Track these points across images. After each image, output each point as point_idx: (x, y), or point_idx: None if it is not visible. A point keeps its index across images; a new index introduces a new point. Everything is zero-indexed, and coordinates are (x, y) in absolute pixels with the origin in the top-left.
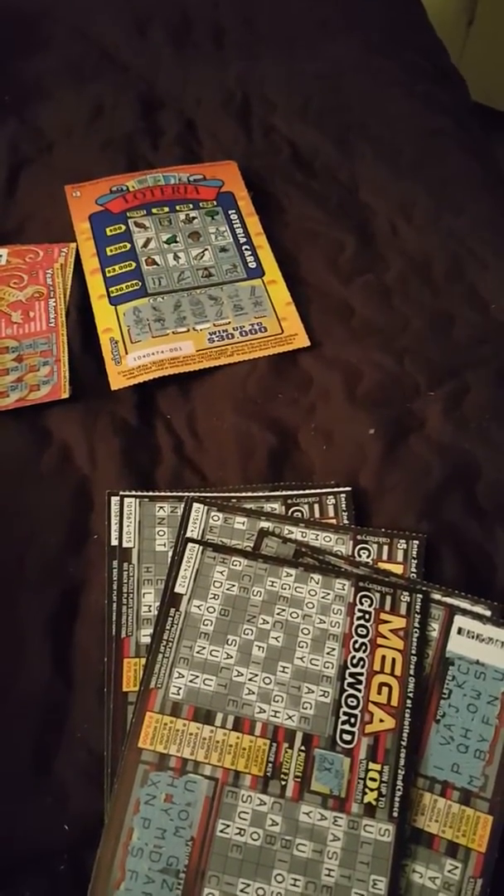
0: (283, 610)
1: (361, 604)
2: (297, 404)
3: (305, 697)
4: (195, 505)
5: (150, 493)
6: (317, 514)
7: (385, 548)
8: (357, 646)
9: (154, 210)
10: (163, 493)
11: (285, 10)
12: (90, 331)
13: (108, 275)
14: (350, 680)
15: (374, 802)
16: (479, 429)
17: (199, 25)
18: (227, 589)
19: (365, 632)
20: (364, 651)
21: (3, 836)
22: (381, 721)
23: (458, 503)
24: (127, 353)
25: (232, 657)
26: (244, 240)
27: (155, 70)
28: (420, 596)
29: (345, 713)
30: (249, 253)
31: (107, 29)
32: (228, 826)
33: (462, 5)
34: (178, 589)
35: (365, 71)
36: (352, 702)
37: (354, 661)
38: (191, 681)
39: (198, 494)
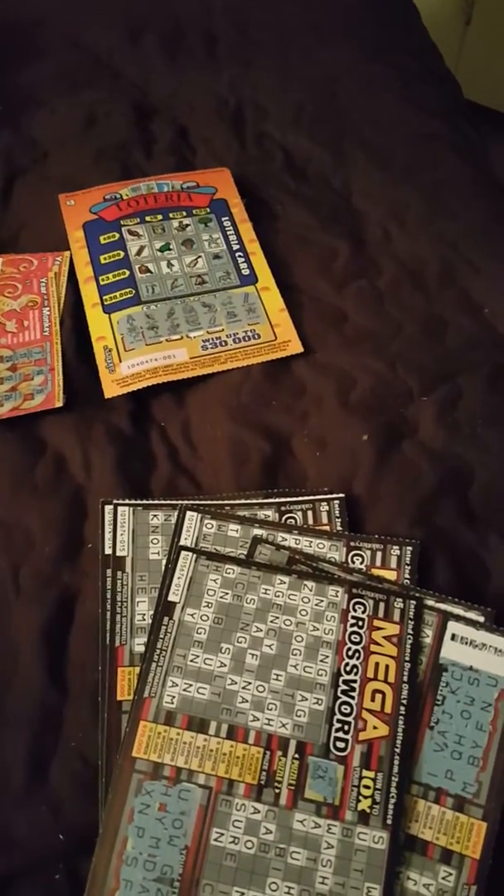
0: (277, 617)
1: (355, 610)
2: (291, 411)
3: (299, 705)
4: (189, 513)
5: (144, 502)
6: (310, 521)
7: (378, 554)
8: (350, 653)
9: (147, 218)
10: (156, 502)
11: (278, 16)
12: (84, 339)
13: (101, 283)
14: (343, 687)
15: (367, 810)
16: (472, 434)
17: (191, 33)
18: (221, 597)
19: (358, 639)
20: (357, 658)
21: None
22: (375, 728)
23: (452, 509)
24: (121, 361)
25: (225, 665)
26: (237, 247)
27: (148, 78)
28: (413, 602)
29: (338, 720)
30: (243, 260)
31: (100, 37)
32: (223, 834)
33: (460, 4)
34: (171, 597)
35: (358, 76)
36: (345, 709)
37: (348, 669)
38: (184, 689)
39: (191, 502)
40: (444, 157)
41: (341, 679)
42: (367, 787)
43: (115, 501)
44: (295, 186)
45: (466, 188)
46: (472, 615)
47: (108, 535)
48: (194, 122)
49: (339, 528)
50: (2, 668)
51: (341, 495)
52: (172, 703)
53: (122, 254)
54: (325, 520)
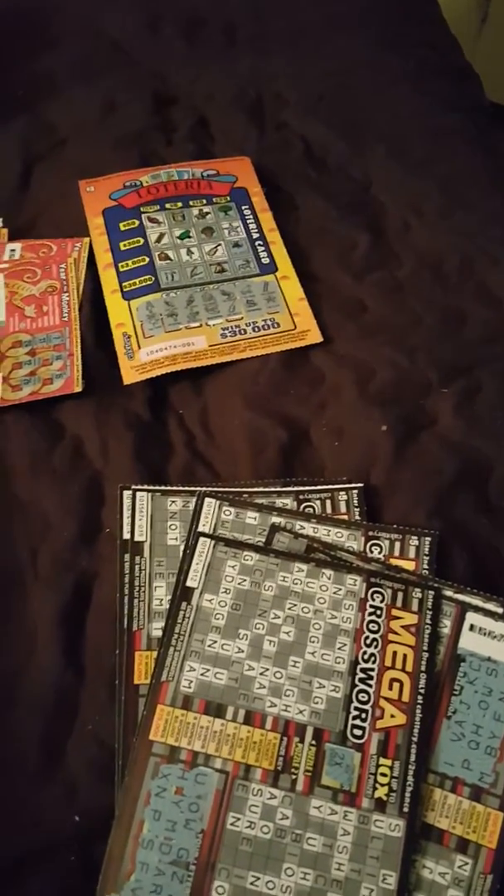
0: (295, 605)
1: (373, 599)
2: (309, 400)
3: (316, 692)
4: (207, 500)
5: (163, 488)
6: (328, 510)
7: (397, 544)
8: (368, 641)
9: (167, 205)
10: (175, 488)
11: (297, 5)
12: (103, 325)
13: (121, 269)
14: (361, 675)
15: (384, 797)
16: (491, 426)
17: (210, 21)
18: (239, 583)
19: (376, 627)
20: (375, 647)
21: (14, 827)
22: (392, 717)
23: (470, 500)
24: (139, 347)
25: (243, 651)
26: (257, 235)
27: (167, 66)
28: (432, 592)
29: (356, 708)
30: (262, 248)
31: (119, 25)
32: (239, 819)
33: (476, 2)
34: (189, 583)
35: (377, 67)
36: (363, 697)
37: (366, 657)
38: (202, 674)
39: (210, 489)
40: (463, 149)
41: (359, 667)
42: (383, 774)
43: (133, 487)
44: (315, 176)
45: (485, 180)
46: (490, 606)
47: (126, 521)
48: (213, 111)
49: (357, 517)
50: (19, 651)
51: (360, 485)
52: (190, 687)
53: (142, 241)
54: (343, 509)
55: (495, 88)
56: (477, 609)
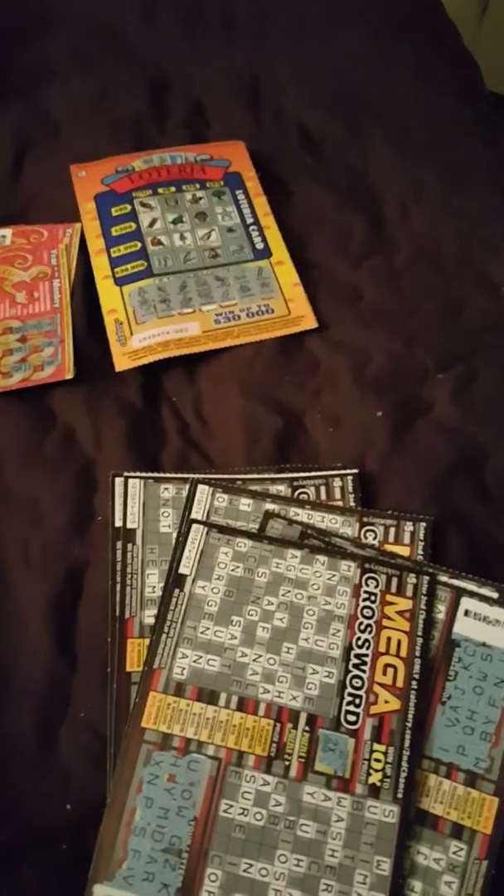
0: (288, 591)
1: (367, 585)
2: (304, 387)
3: (310, 678)
4: (200, 486)
5: (155, 475)
6: (323, 497)
7: (392, 530)
8: (362, 627)
9: (160, 190)
10: (168, 475)
11: None
12: (95, 311)
13: (113, 255)
14: (355, 661)
15: (378, 783)
16: (487, 413)
17: (208, 8)
18: (232, 570)
19: (370, 613)
20: (369, 632)
21: (5, 815)
22: (387, 702)
23: (466, 487)
24: (132, 334)
25: (236, 638)
26: (251, 220)
27: (163, 52)
28: (427, 578)
29: (349, 694)
30: (257, 234)
31: (114, 10)
32: (232, 806)
33: None
34: (182, 570)
35: (376, 54)
36: (357, 683)
37: (360, 643)
38: (195, 661)
39: (203, 476)
40: (463, 137)
41: (353, 653)
42: (377, 760)
43: (125, 474)
44: (311, 162)
45: (484, 169)
46: (485, 591)
47: (118, 508)
48: (209, 98)
49: (352, 503)
50: (11, 639)
51: (355, 471)
52: (182, 674)
53: (134, 226)
54: (338, 495)
55: (495, 78)
56: (472, 594)
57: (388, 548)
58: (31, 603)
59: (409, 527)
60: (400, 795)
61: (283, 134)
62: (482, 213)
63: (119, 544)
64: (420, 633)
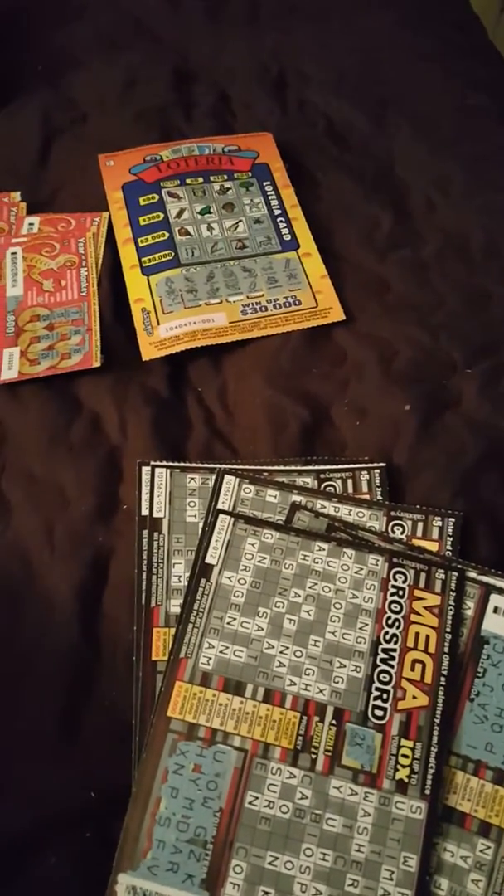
0: (315, 584)
1: (395, 580)
2: (331, 379)
3: (337, 672)
4: (227, 477)
5: (181, 465)
6: (350, 490)
7: (420, 525)
8: (390, 622)
9: (188, 180)
10: (194, 465)
11: None
12: (122, 300)
13: (140, 244)
14: (383, 656)
15: (405, 779)
16: None
17: None
18: (259, 561)
19: (398, 608)
20: (397, 627)
21: (30, 801)
22: (415, 698)
23: (495, 481)
24: (159, 323)
25: (263, 629)
26: (279, 212)
27: (188, 41)
28: (455, 574)
29: (377, 689)
30: (284, 225)
31: (141, 0)
32: (257, 798)
33: None
34: (209, 560)
35: (401, 45)
36: (384, 677)
37: (387, 637)
38: (221, 651)
39: (230, 466)
40: (489, 128)
41: (380, 647)
42: (405, 756)
43: (152, 463)
44: (337, 154)
45: None
46: None
47: (144, 497)
48: (235, 87)
49: (379, 497)
50: (36, 626)
51: (383, 464)
52: (209, 664)
53: (162, 216)
54: (365, 489)
55: None
56: (501, 591)
57: (416, 542)
58: (57, 589)
59: (437, 521)
60: (427, 792)
61: (309, 124)
62: None
63: (145, 533)
64: (449, 630)
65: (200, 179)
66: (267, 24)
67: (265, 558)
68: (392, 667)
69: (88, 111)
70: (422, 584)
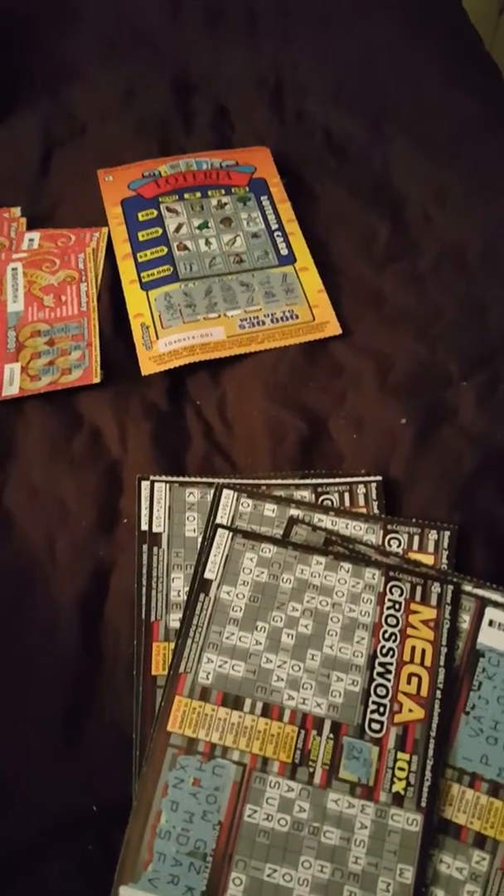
0: (313, 598)
1: (391, 593)
2: (328, 392)
3: (334, 685)
4: (225, 491)
5: (181, 479)
6: (347, 503)
7: (416, 538)
8: (387, 635)
9: (186, 195)
10: (193, 479)
11: None
12: (121, 315)
13: (139, 260)
14: (379, 669)
15: (402, 792)
16: None
17: (232, 8)
18: (257, 575)
19: (395, 621)
20: (394, 641)
21: (33, 813)
22: (411, 711)
23: (491, 494)
24: (158, 338)
25: (261, 644)
26: (276, 226)
27: (188, 51)
28: (451, 587)
29: (374, 702)
30: (281, 239)
31: (140, 10)
32: (256, 811)
33: None
34: (207, 574)
35: (398, 56)
36: (381, 691)
37: (384, 651)
38: (220, 666)
39: (228, 481)
40: (486, 138)
41: (377, 661)
42: (401, 769)
43: (151, 478)
44: (335, 165)
45: None
46: None
47: (144, 511)
48: (234, 99)
49: (375, 510)
50: (37, 638)
51: (379, 478)
52: (208, 679)
53: (161, 231)
54: (361, 502)
55: None
56: (496, 604)
57: (412, 556)
58: (58, 601)
59: (433, 535)
60: (423, 804)
61: (307, 136)
62: None
63: (145, 547)
64: (444, 643)
65: (198, 194)
66: (265, 33)
67: (263, 572)
68: (389, 680)
69: (88, 123)
70: (418, 597)
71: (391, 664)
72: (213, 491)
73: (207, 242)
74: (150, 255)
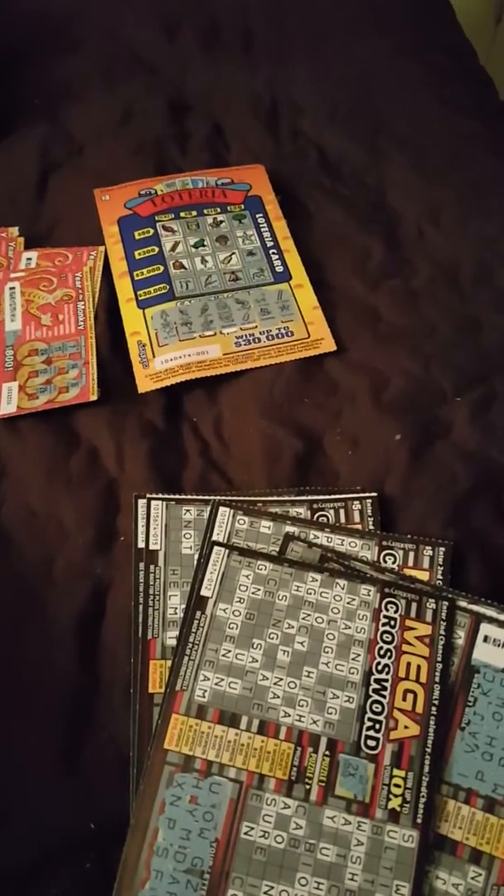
0: (309, 615)
1: (387, 610)
2: (323, 409)
3: (330, 702)
4: (221, 508)
5: (177, 497)
6: (342, 520)
7: (411, 554)
8: (382, 652)
9: (182, 214)
10: (189, 497)
11: (314, 12)
12: (118, 334)
13: (136, 278)
14: (375, 686)
15: (398, 808)
16: None
17: (228, 28)
18: (253, 593)
19: (390, 638)
20: (389, 657)
21: (31, 831)
22: (406, 727)
23: (486, 510)
24: (154, 356)
25: (257, 661)
26: (271, 244)
27: (184, 73)
28: (446, 603)
29: (370, 719)
30: (277, 257)
31: (136, 31)
32: (253, 828)
33: (490, 2)
34: (204, 592)
35: (393, 74)
36: (377, 708)
37: (379, 668)
38: (216, 684)
39: (224, 498)
40: (481, 156)
41: (373, 678)
42: (397, 785)
43: (148, 496)
44: (330, 184)
45: (503, 188)
46: None
47: (140, 529)
48: (229, 119)
49: (371, 527)
50: (35, 658)
51: (374, 494)
52: (204, 696)
53: (157, 249)
54: (357, 518)
55: None
56: (491, 620)
57: (408, 572)
58: (56, 621)
59: (428, 551)
60: (419, 820)
61: (302, 155)
62: (501, 233)
63: (142, 565)
64: (439, 659)
65: (194, 213)
66: (261, 55)
67: (259, 590)
68: (384, 697)
69: (85, 144)
70: (413, 613)
71: (387, 681)
72: (209, 508)
73: (203, 260)
74: (147, 274)
